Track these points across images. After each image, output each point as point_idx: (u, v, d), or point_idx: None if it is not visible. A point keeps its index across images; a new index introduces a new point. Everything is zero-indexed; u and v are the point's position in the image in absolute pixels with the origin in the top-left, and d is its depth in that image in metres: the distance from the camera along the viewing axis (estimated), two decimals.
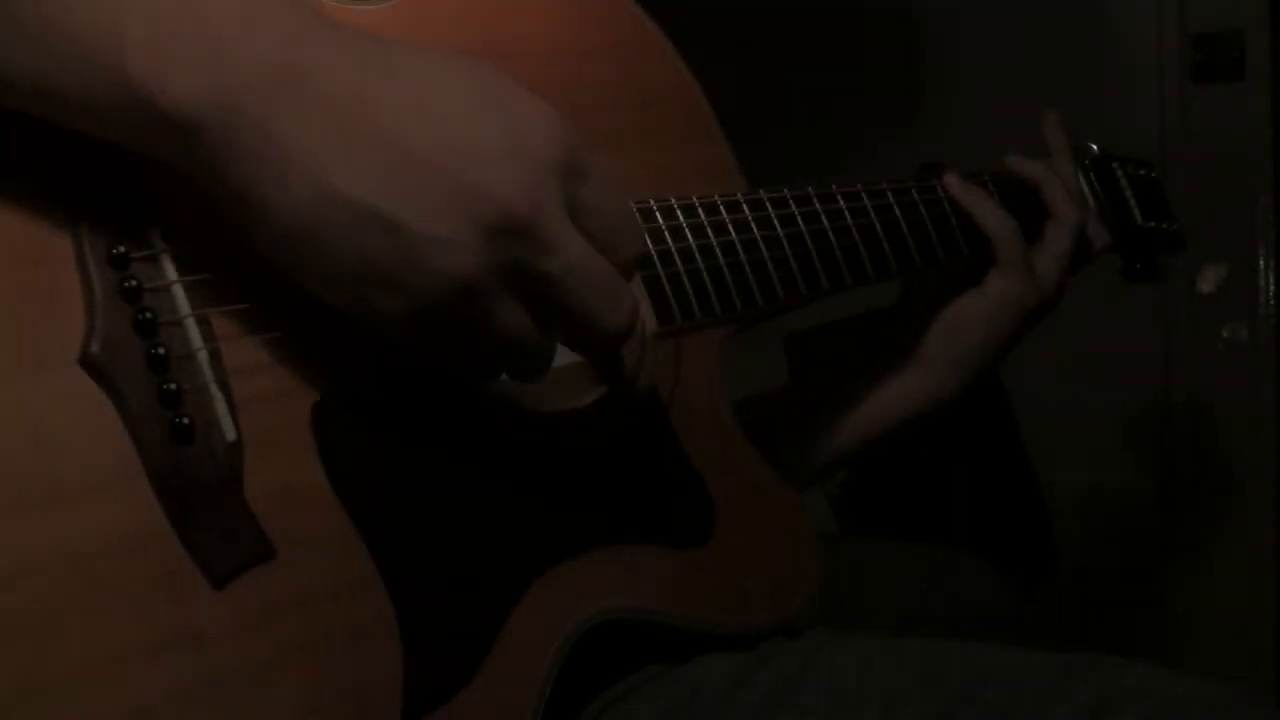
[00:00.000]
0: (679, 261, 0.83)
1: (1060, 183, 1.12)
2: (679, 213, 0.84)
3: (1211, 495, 2.35)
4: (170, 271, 0.64)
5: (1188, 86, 2.29)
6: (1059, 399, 2.30)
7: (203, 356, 0.63)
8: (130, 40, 0.56)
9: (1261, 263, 2.24)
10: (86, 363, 0.60)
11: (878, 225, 0.97)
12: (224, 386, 0.63)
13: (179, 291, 0.63)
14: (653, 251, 0.81)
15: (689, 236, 0.84)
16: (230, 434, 0.63)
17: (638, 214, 0.79)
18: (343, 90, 0.59)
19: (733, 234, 0.87)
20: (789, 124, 2.18)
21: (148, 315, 0.62)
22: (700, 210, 0.86)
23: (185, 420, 0.61)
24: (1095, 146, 1.26)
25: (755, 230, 0.88)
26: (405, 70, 0.61)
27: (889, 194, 1.00)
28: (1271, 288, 2.24)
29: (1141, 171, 1.29)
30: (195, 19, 0.57)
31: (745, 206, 0.89)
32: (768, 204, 0.90)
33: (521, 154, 0.61)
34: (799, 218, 0.92)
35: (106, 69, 0.56)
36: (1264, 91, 2.23)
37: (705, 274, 0.84)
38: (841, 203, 0.95)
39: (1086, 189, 1.20)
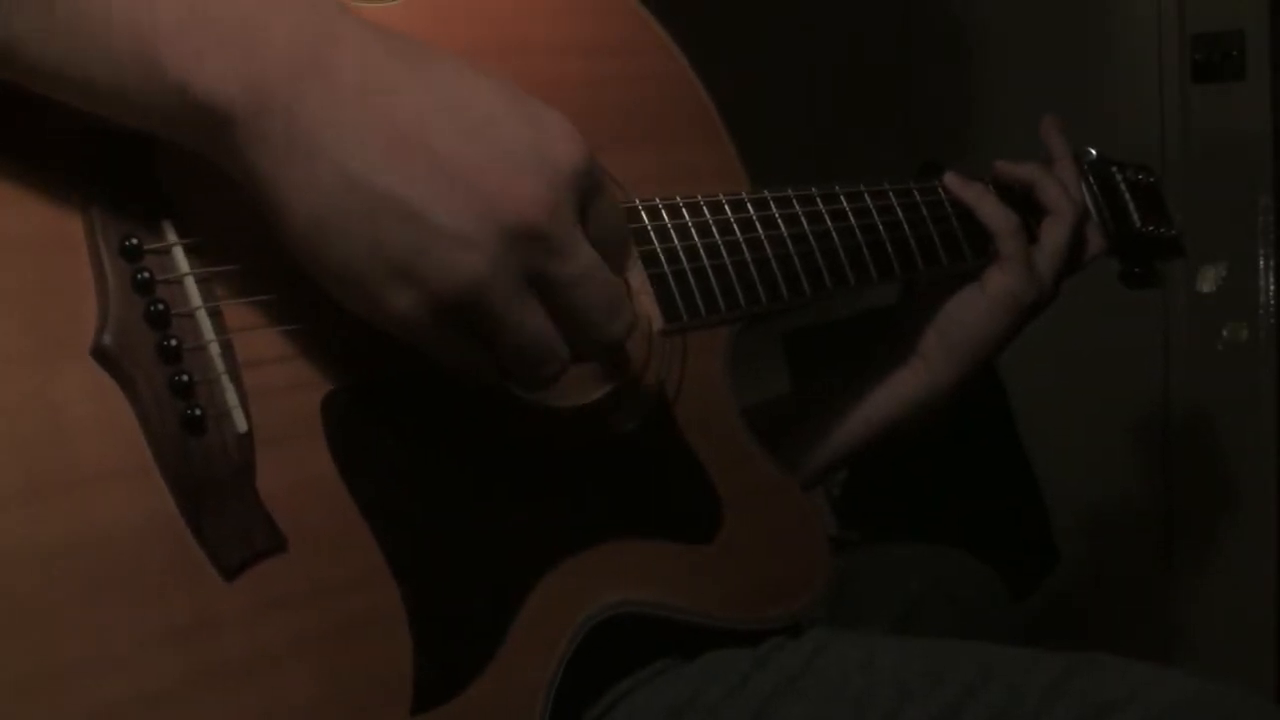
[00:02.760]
0: (684, 259, 0.83)
1: (1054, 179, 1.11)
2: (685, 211, 0.85)
3: (1211, 495, 2.35)
4: (183, 264, 0.64)
5: (1187, 86, 2.30)
6: (1059, 399, 2.31)
7: (214, 348, 0.63)
8: (163, 26, 0.56)
9: (1261, 263, 2.25)
10: (99, 354, 0.60)
11: (880, 226, 0.98)
12: (236, 378, 0.64)
13: (191, 284, 0.64)
14: (658, 252, 0.82)
15: (694, 235, 0.85)
16: (242, 425, 0.63)
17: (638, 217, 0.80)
18: (371, 81, 0.60)
19: (737, 233, 0.87)
20: (784, 124, 2.19)
21: (160, 307, 0.62)
22: (705, 209, 0.86)
23: (197, 411, 0.62)
24: (1094, 150, 1.24)
25: (760, 229, 0.89)
26: (434, 68, 0.62)
27: (891, 194, 1.00)
28: (1271, 288, 2.25)
29: (1141, 176, 1.27)
30: (226, 5, 0.58)
31: (750, 206, 0.89)
32: (772, 203, 0.91)
33: (547, 163, 0.62)
34: (803, 217, 0.92)
35: (138, 54, 0.57)
36: (1264, 91, 2.23)
37: (710, 272, 0.85)
38: (845, 203, 0.96)
39: (1086, 193, 1.20)
